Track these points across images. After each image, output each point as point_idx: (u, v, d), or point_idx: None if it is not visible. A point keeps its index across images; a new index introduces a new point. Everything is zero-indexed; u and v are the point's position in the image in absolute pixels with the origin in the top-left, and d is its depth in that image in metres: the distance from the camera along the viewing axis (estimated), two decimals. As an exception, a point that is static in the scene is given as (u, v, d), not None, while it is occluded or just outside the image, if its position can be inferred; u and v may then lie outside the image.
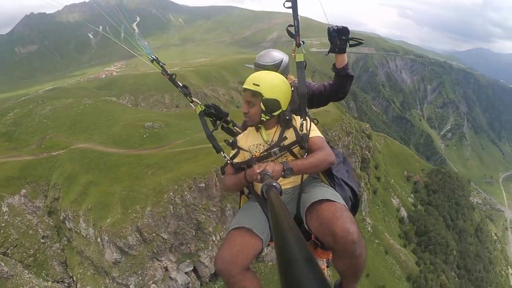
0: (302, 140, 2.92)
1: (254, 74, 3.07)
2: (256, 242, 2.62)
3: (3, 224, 32.18)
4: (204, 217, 33.43)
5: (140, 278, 30.29)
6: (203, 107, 3.65)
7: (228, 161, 3.19)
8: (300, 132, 2.96)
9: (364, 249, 2.33)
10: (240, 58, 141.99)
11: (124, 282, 29.76)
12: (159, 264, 31.70)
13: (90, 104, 56.20)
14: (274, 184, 2.01)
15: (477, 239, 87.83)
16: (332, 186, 2.97)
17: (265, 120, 3.03)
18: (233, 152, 3.23)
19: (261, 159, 2.98)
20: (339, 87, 3.55)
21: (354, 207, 3.09)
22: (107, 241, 29.73)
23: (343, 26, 3.21)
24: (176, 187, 32.11)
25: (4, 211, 33.30)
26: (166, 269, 32.16)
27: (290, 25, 3.34)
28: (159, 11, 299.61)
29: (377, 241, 57.77)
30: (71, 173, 37.80)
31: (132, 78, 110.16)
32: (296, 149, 2.99)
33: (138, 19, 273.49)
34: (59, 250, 34.43)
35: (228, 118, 3.79)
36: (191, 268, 34.04)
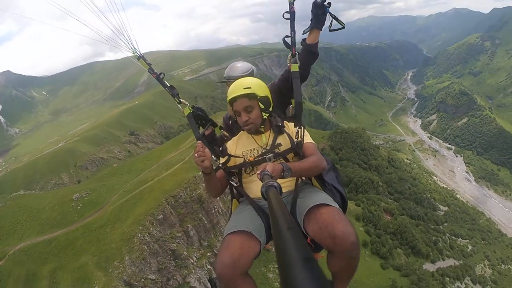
0: (298, 147, 3.06)
1: (236, 82, 3.18)
2: (255, 244, 2.63)
3: None
4: (175, 245, 36.01)
5: (151, 332, 31.26)
6: (191, 109, 3.75)
7: (220, 166, 3.25)
8: (295, 140, 3.10)
9: (360, 251, 2.43)
10: (122, 110, 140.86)
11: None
12: (161, 310, 33.02)
13: (1, 207, 54.05)
14: (273, 183, 2.06)
15: (393, 168, 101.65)
16: (323, 191, 3.11)
17: (266, 118, 3.19)
18: (224, 160, 3.26)
19: (254, 163, 3.09)
20: (305, 64, 3.61)
21: (342, 210, 3.07)
22: (105, 311, 30.36)
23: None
24: (140, 227, 34.32)
25: None
26: (168, 311, 33.54)
27: (287, 36, 3.46)
28: (19, 90, 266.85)
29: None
30: (27, 274, 36.80)
31: (20, 171, 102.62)
32: (289, 155, 3.11)
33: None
34: None
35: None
36: (188, 299, 35.87)
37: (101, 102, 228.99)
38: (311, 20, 3.48)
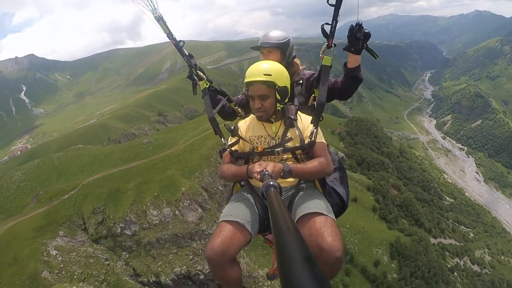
0: (308, 148, 3.10)
1: (257, 65, 3.15)
2: (246, 236, 2.82)
3: (61, 265, 33.92)
4: (234, 170, 48.25)
5: (220, 227, 42.48)
6: (208, 84, 3.75)
7: (227, 149, 3.31)
8: (308, 139, 3.12)
9: (342, 264, 2.50)
10: (149, 93, 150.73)
11: (212, 232, 40.71)
12: (223, 216, 44.90)
13: (63, 155, 57.24)
14: (273, 183, 2.15)
15: (404, 158, 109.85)
16: (323, 192, 3.23)
17: (280, 109, 3.18)
18: (233, 140, 3.34)
19: (262, 154, 3.14)
20: (345, 87, 3.72)
21: (341, 209, 3.43)
22: (188, 204, 39.98)
23: (368, 31, 3.27)
24: (214, 152, 45.75)
25: (55, 254, 34.97)
26: (227, 220, 45.38)
27: (326, 23, 3.23)
28: (43, 73, 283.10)
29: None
30: (110, 191, 41.67)
31: (54, 143, 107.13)
32: (298, 151, 3.14)
33: (24, 88, 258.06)
34: (124, 266, 37.82)
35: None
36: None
37: (124, 87, 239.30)
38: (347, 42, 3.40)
